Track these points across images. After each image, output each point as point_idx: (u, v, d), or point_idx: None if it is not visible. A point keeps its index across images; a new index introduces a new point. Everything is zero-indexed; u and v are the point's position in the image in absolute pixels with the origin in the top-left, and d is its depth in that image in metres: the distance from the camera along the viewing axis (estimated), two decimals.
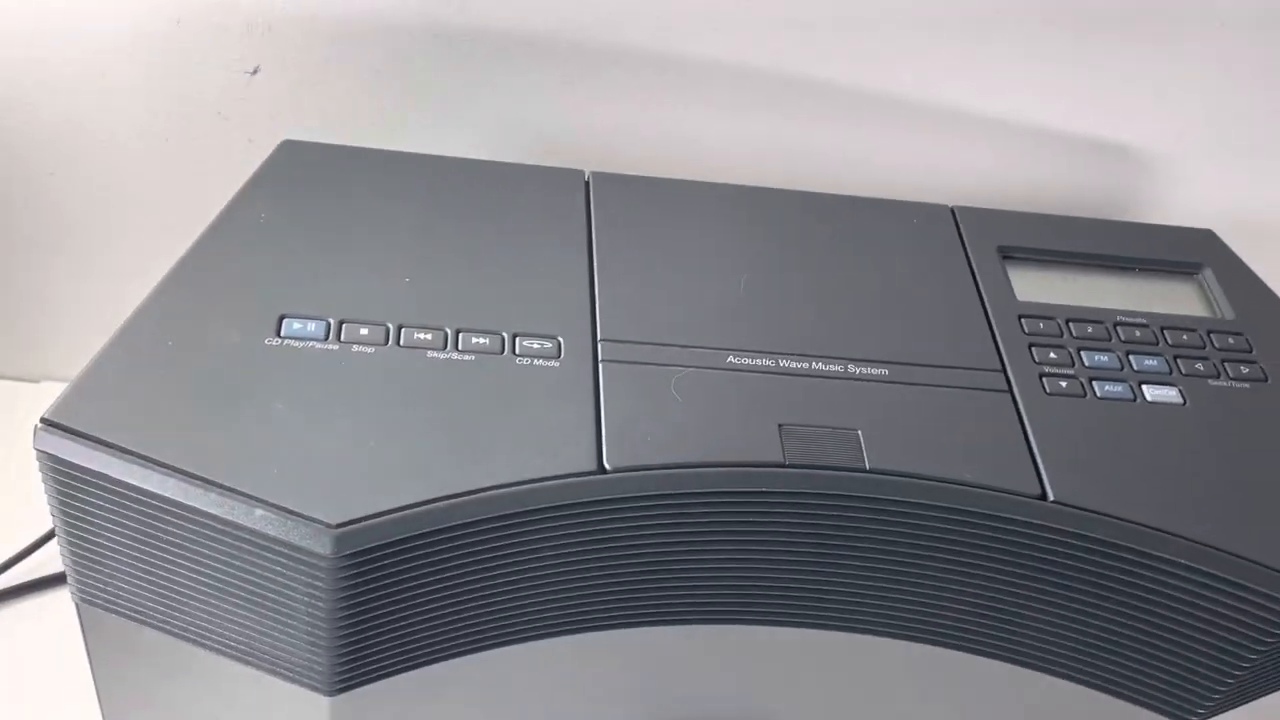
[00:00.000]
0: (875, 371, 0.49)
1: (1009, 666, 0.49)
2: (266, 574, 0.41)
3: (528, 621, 0.46)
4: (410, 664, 0.46)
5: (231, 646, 0.44)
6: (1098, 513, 0.45)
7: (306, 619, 0.42)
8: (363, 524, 0.40)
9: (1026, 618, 0.47)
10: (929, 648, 0.49)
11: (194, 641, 0.45)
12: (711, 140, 0.64)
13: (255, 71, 0.65)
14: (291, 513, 0.40)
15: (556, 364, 0.46)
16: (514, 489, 0.42)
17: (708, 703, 0.50)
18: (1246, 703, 0.51)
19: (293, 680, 0.45)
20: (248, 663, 0.45)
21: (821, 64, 0.63)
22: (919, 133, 0.64)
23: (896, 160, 0.65)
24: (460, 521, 0.41)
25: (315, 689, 0.45)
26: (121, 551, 0.43)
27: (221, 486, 0.40)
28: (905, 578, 0.46)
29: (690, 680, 0.50)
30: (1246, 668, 0.47)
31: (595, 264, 0.51)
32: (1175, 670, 0.48)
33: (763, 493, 0.44)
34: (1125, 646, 0.48)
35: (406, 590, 0.42)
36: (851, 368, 0.49)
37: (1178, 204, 0.67)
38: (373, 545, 0.40)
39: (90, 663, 0.48)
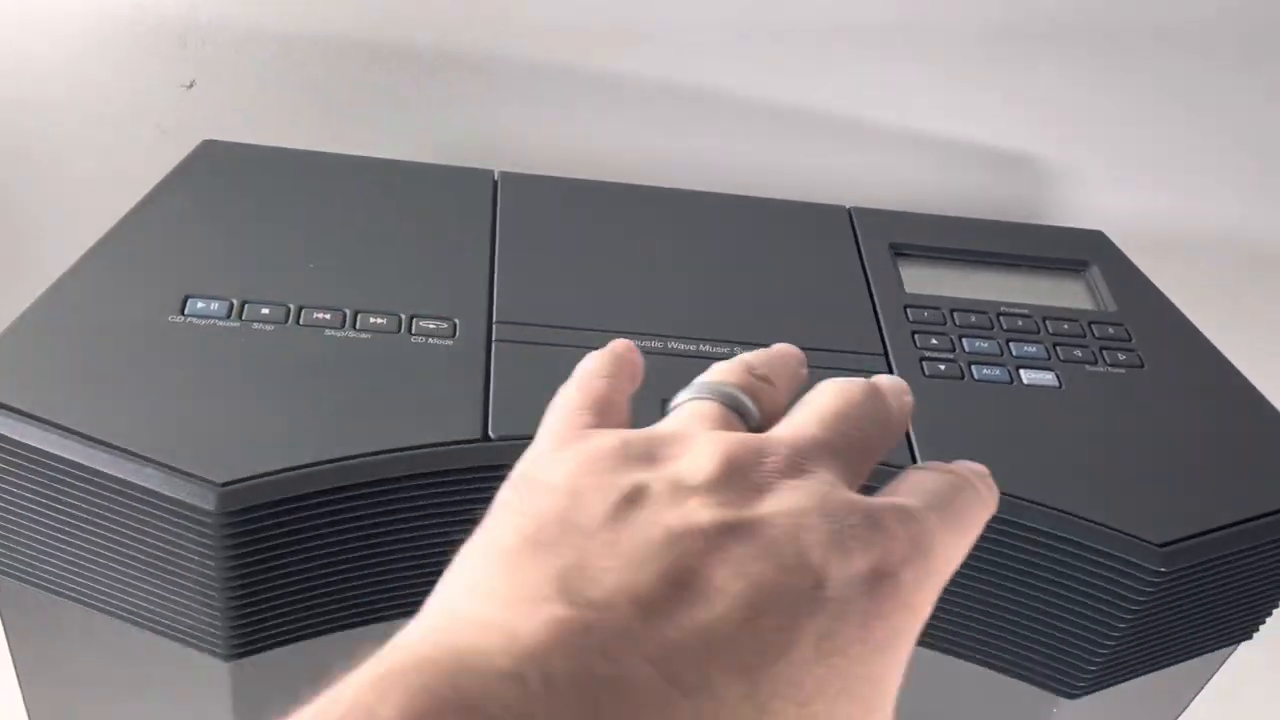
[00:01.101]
0: None
1: None
2: (159, 535, 0.43)
3: (422, 593, 0.47)
4: (307, 632, 0.47)
5: (133, 612, 0.46)
6: None
7: (199, 580, 0.44)
8: (247, 483, 0.42)
9: None
10: None
11: (98, 608, 0.47)
12: (622, 145, 0.67)
13: (191, 85, 0.68)
14: (180, 471, 0.41)
15: (451, 342, 0.49)
16: (398, 454, 0.44)
17: None
18: (1129, 679, 0.53)
19: (192, 645, 0.46)
20: (149, 628, 0.47)
21: (733, 73, 0.66)
22: (823, 141, 0.67)
23: (802, 167, 0.68)
24: (344, 484, 0.43)
25: (214, 654, 0.46)
26: (27, 519, 0.45)
27: (116, 448, 0.42)
28: None
29: None
30: (1117, 636, 0.49)
31: (497, 254, 0.54)
32: (1052, 642, 0.50)
33: None
34: (1003, 619, 0.50)
35: (295, 553, 0.44)
36: (738, 349, 0.51)
37: (1080, 210, 0.70)
38: (256, 504, 0.42)
39: (5, 633, 0.50)
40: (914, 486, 0.30)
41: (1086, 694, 0.52)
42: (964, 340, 0.54)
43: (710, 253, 0.56)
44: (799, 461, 0.28)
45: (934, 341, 0.53)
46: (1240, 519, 0.48)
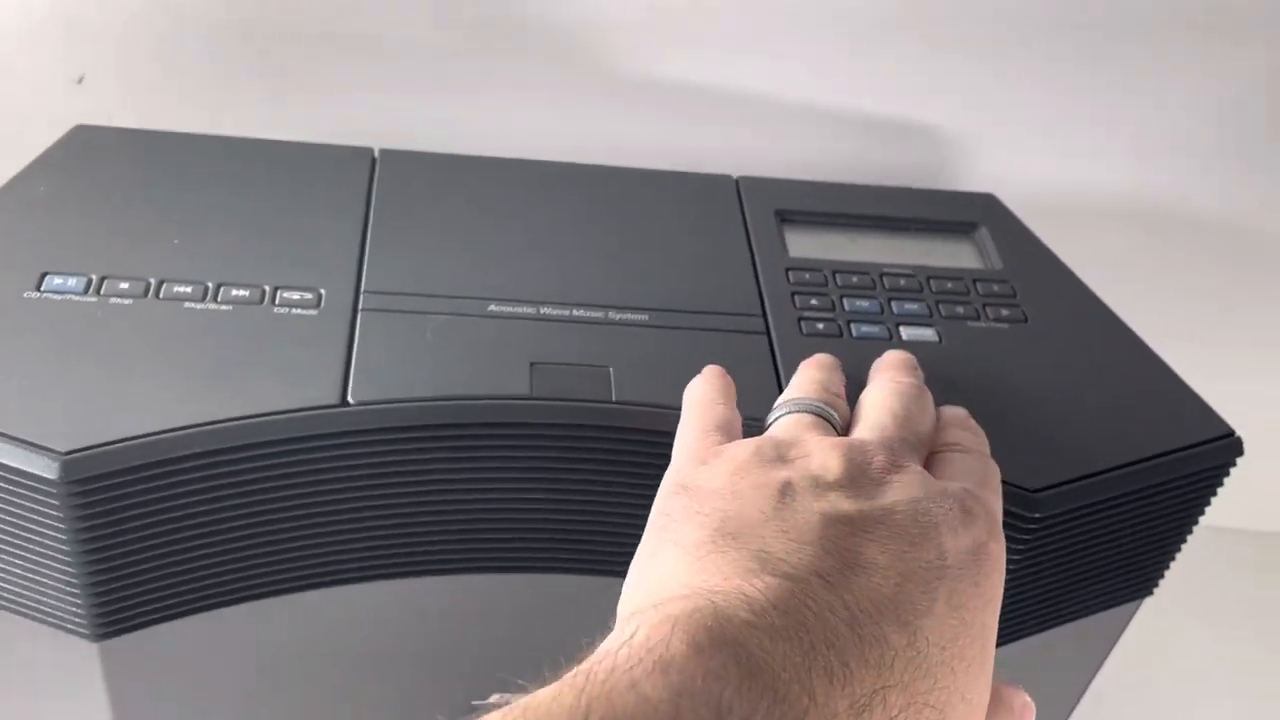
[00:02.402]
0: (635, 317, 0.50)
1: None
2: (10, 510, 0.42)
3: (283, 571, 0.47)
4: (175, 610, 0.46)
5: None
6: None
7: (55, 557, 0.43)
8: (91, 451, 0.41)
9: None
10: None
11: None
12: (511, 123, 0.67)
13: (81, 80, 0.67)
14: (23, 441, 0.41)
15: (315, 312, 0.48)
16: (250, 421, 0.43)
17: (477, 658, 0.51)
18: (1022, 637, 0.53)
19: (58, 626, 0.45)
20: (13, 610, 0.46)
21: (624, 46, 0.65)
22: (712, 113, 0.67)
23: (693, 141, 0.67)
24: (194, 451, 0.42)
25: (81, 635, 0.45)
26: None
27: None
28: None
29: (465, 632, 0.51)
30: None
31: (370, 227, 0.53)
32: None
33: (507, 425, 0.45)
34: None
35: (150, 526, 0.43)
36: (612, 314, 0.50)
37: (980, 178, 0.70)
38: (102, 472, 0.41)
39: None
40: (958, 471, 0.39)
41: None
42: (844, 300, 0.53)
43: (590, 222, 0.56)
44: (896, 459, 0.37)
45: (814, 302, 0.53)
46: (1118, 465, 0.48)
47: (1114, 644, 0.59)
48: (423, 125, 0.66)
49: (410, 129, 0.66)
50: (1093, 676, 0.62)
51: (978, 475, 0.39)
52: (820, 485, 0.34)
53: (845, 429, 0.41)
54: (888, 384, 0.43)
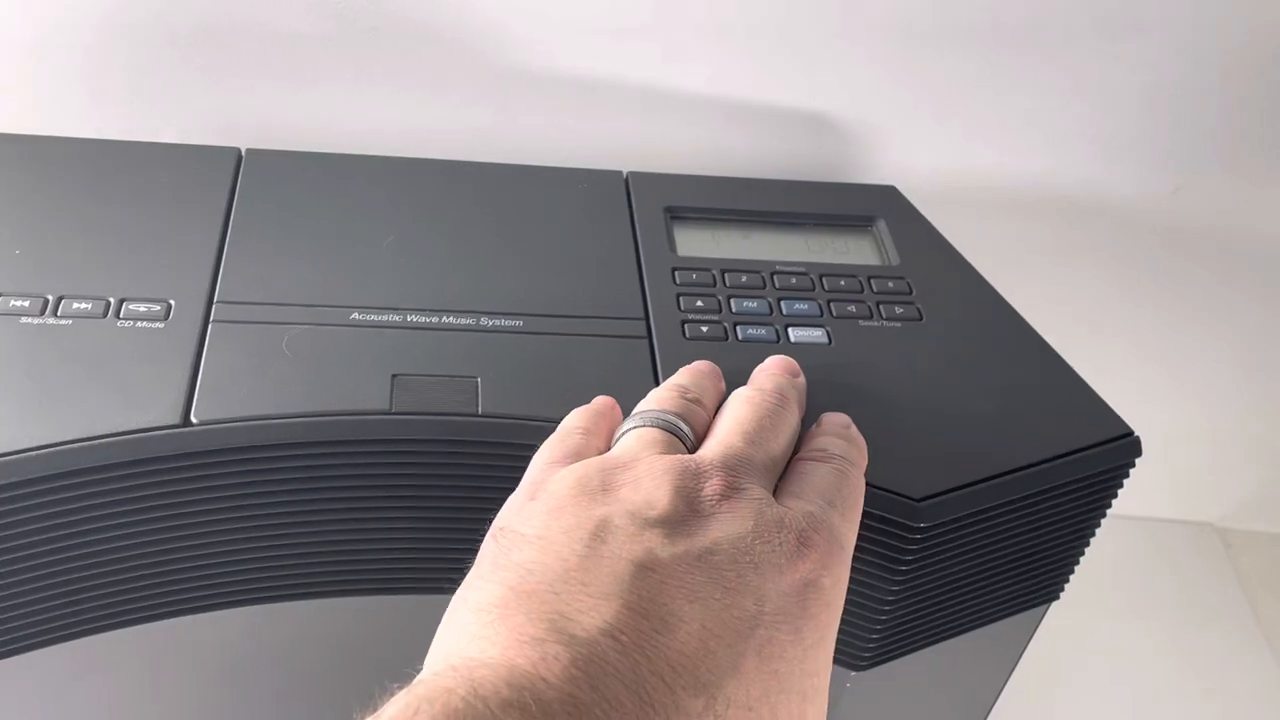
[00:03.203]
0: (510, 323, 0.48)
1: None
2: None
3: (127, 601, 0.44)
4: (17, 645, 0.44)
5: None
6: None
7: None
8: None
9: None
10: None
11: None
12: (390, 120, 0.64)
13: None
14: None
15: (161, 325, 0.45)
16: (85, 444, 0.40)
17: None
18: (925, 646, 0.51)
19: None
20: None
21: (512, 39, 0.63)
22: (606, 108, 0.64)
23: (585, 137, 0.65)
24: (26, 477, 0.39)
25: None
26: None
27: None
28: None
29: (324, 659, 0.48)
30: (893, 600, 0.46)
31: (229, 233, 0.50)
32: None
33: (363, 442, 0.43)
34: None
35: None
36: (484, 320, 0.48)
37: (885, 169, 0.68)
38: None
39: None
40: (810, 487, 0.37)
41: (875, 665, 0.50)
42: (732, 301, 0.51)
43: (467, 223, 0.54)
44: (733, 481, 0.34)
45: (699, 304, 0.51)
46: (1008, 469, 0.46)
47: (1024, 648, 0.58)
48: (293, 123, 0.63)
49: (280, 127, 0.63)
50: (1005, 680, 0.60)
51: (830, 492, 0.37)
52: (638, 522, 0.32)
53: (700, 443, 0.39)
54: (745, 395, 0.40)
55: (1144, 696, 0.81)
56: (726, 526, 0.33)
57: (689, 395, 0.40)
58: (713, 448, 0.37)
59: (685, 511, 0.33)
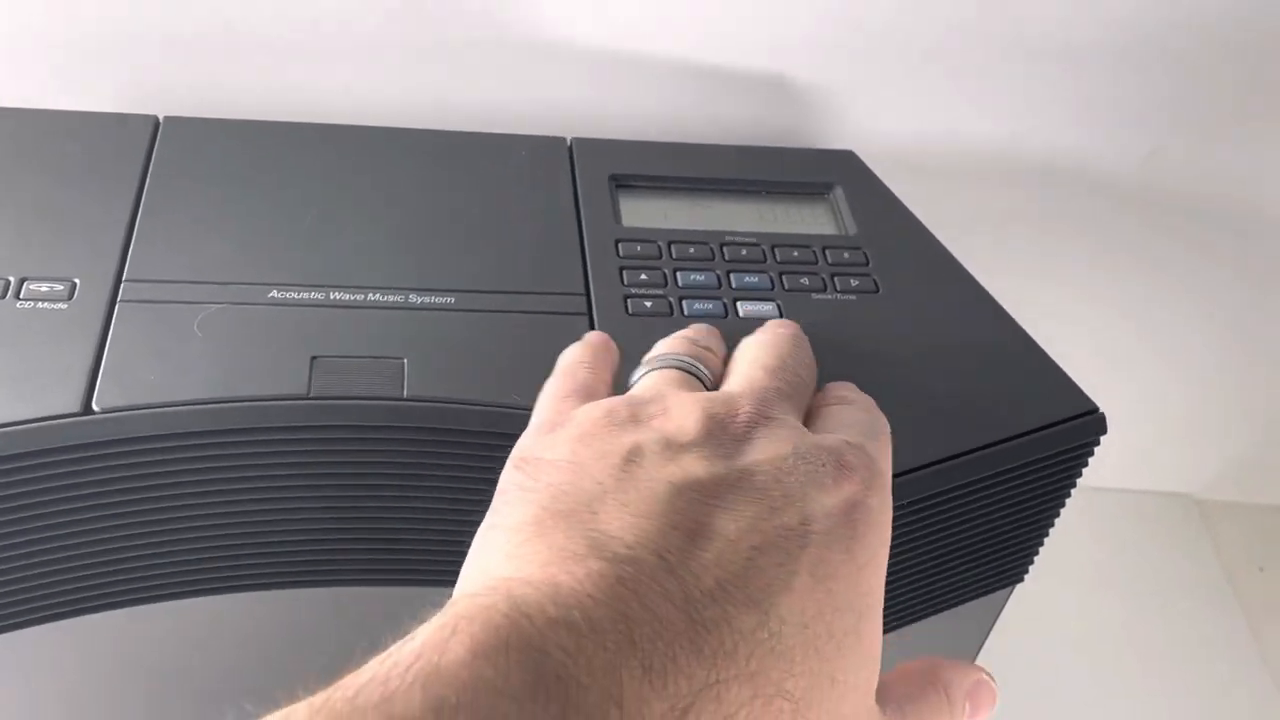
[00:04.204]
0: (440, 300, 0.45)
1: None
2: None
3: (35, 597, 0.42)
4: None
5: None
6: None
7: None
8: None
9: None
10: None
11: None
12: (325, 86, 0.61)
13: None
14: None
15: (65, 306, 0.42)
16: None
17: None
18: (893, 629, 0.49)
19: None
20: None
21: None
22: (549, 71, 0.61)
23: (529, 102, 0.62)
24: None
25: None
26: None
27: None
28: (463, 516, 0.43)
29: (237, 653, 0.46)
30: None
31: (141, 207, 0.47)
32: None
33: (277, 429, 0.40)
34: None
35: None
36: (414, 297, 0.45)
37: (843, 134, 0.65)
38: None
39: None
40: (840, 423, 0.35)
41: None
42: (678, 274, 0.49)
43: (399, 194, 0.51)
44: (765, 410, 0.33)
45: (644, 277, 0.48)
46: (970, 448, 0.44)
47: (987, 634, 0.56)
48: (217, 88, 0.60)
49: (203, 93, 0.60)
50: (973, 659, 0.58)
51: (864, 426, 0.36)
52: (672, 448, 0.31)
53: (718, 385, 0.37)
54: (757, 336, 0.39)
55: (1119, 670, 0.80)
56: (765, 449, 0.31)
57: (700, 343, 0.39)
58: (736, 382, 0.36)
59: (718, 435, 0.32)
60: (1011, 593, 0.53)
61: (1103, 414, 0.46)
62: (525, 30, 0.60)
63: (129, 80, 0.59)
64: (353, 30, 0.59)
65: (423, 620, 0.25)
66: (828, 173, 0.56)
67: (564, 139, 0.55)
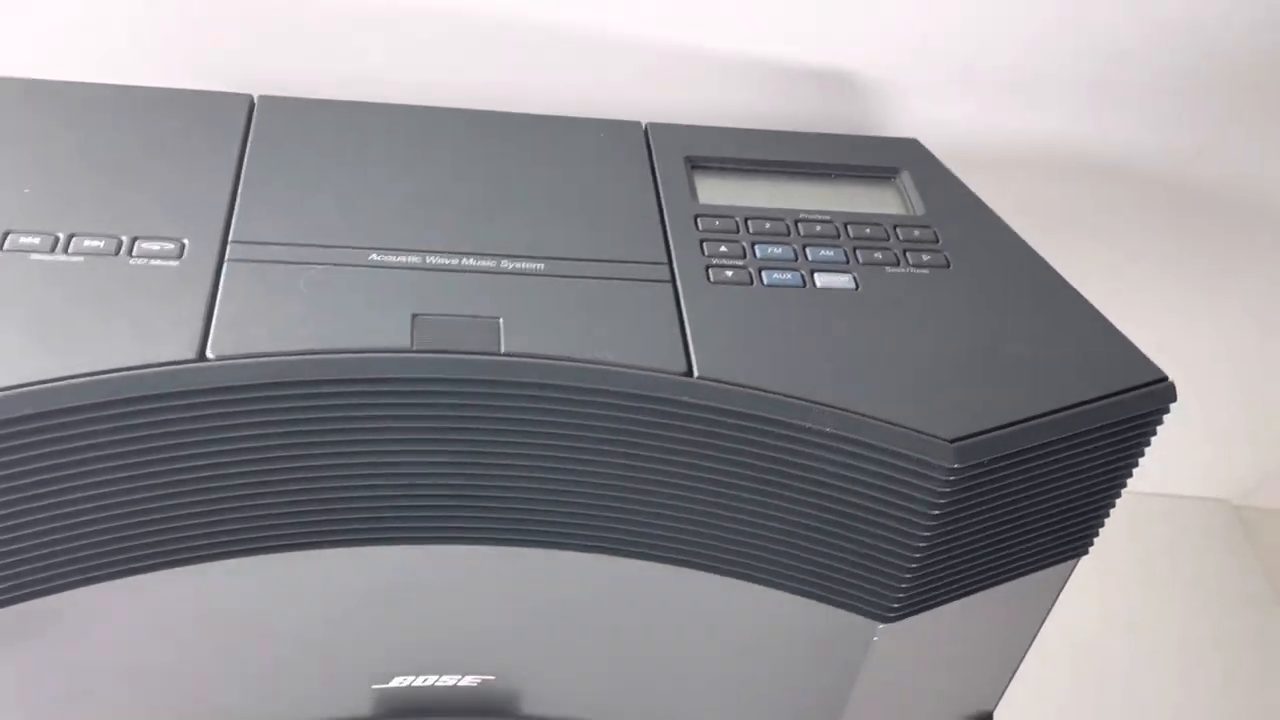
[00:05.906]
0: (530, 266, 0.47)
1: (682, 571, 0.47)
2: None
3: (142, 544, 0.43)
4: (34, 589, 0.43)
5: None
6: (743, 385, 0.43)
7: None
8: None
9: (684, 511, 0.45)
10: (597, 556, 0.47)
11: None
12: (409, 73, 0.63)
13: None
14: None
15: (175, 264, 0.44)
16: (98, 377, 0.39)
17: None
18: (952, 599, 0.50)
19: None
20: None
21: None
22: (626, 62, 0.63)
23: (604, 91, 0.64)
24: (37, 410, 0.38)
25: None
26: None
27: None
28: (558, 475, 0.44)
29: (347, 610, 0.47)
30: (924, 547, 0.45)
31: (243, 176, 0.49)
32: (858, 560, 0.46)
33: (383, 380, 0.41)
34: (805, 539, 0.46)
35: None
36: (505, 263, 0.47)
37: (904, 125, 0.67)
38: None
39: None
40: None
41: (903, 616, 0.49)
42: (756, 247, 0.50)
43: (486, 170, 0.52)
44: None
45: (723, 249, 0.50)
46: (1043, 412, 0.45)
47: (1050, 607, 0.57)
48: (310, 72, 0.62)
49: (297, 76, 0.62)
50: (1030, 642, 0.59)
51: None
52: None
53: None
54: None
55: (1163, 674, 0.80)
56: None
57: None
58: None
59: None
60: (1072, 571, 0.54)
61: (1172, 383, 0.47)
62: (601, 24, 0.62)
63: (220, 64, 0.61)
64: (433, 22, 0.61)
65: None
66: (893, 158, 0.58)
67: (639, 123, 0.57)
